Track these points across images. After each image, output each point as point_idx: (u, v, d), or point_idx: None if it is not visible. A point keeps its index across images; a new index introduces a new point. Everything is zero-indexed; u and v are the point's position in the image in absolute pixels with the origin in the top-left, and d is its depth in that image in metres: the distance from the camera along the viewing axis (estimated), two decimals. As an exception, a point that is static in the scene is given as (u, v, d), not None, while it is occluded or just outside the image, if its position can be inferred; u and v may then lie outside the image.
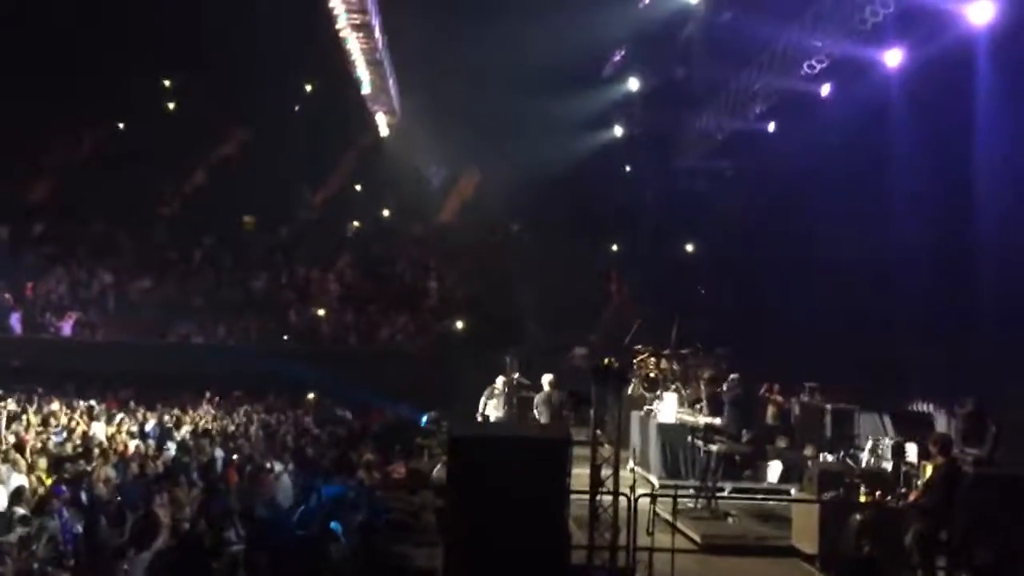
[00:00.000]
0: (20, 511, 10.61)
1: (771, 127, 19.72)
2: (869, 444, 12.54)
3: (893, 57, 14.70)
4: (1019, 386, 12.12)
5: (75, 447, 15.07)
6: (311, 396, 21.77)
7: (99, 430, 16.68)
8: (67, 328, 25.49)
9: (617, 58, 22.41)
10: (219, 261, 29.07)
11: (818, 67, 15.41)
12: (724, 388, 15.53)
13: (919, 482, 10.09)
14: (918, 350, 15.39)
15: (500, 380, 15.77)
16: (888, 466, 11.40)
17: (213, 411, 19.88)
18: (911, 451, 11.43)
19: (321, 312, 27.27)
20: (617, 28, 20.81)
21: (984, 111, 13.63)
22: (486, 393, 15.77)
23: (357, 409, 21.03)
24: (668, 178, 23.56)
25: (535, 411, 14.80)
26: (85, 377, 22.02)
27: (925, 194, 15.23)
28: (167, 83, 31.49)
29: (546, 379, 15.04)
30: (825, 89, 16.81)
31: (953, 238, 14.51)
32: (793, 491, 12.06)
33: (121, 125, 31.58)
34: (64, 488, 11.95)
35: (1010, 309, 12.88)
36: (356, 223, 30.71)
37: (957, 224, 14.47)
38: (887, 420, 13.66)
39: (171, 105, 31.45)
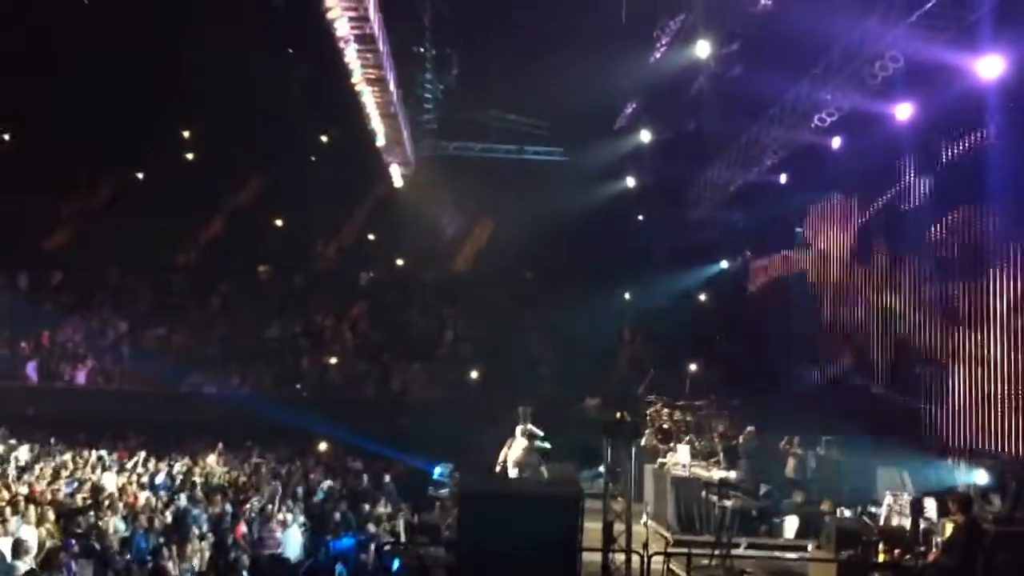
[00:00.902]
0: (21, 565, 10.53)
1: (783, 179, 19.81)
2: (888, 499, 12.35)
3: (903, 111, 14.77)
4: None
5: (85, 498, 15.03)
6: (323, 446, 21.69)
7: (109, 481, 16.64)
8: (81, 377, 25.59)
9: (629, 110, 22.60)
10: (234, 310, 29.22)
11: (828, 120, 15.49)
12: (741, 440, 15.42)
13: (939, 540, 9.90)
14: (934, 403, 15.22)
15: (519, 430, 15.53)
16: (907, 523, 11.20)
17: (224, 462, 19.80)
18: (930, 507, 11.25)
19: (334, 361, 27.27)
20: (629, 81, 21.05)
21: (994, 165, 13.66)
22: (507, 445, 15.48)
23: (369, 460, 20.91)
24: (681, 229, 23.61)
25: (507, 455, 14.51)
26: (97, 426, 22.03)
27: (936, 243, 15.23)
28: (185, 133, 31.94)
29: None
30: (836, 142, 16.89)
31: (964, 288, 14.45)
32: (810, 548, 11.85)
33: (139, 174, 32.00)
34: (73, 541, 11.91)
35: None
36: (369, 273, 30.84)
37: (969, 274, 14.43)
38: (906, 474, 13.48)
39: (189, 155, 31.86)
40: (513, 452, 14.24)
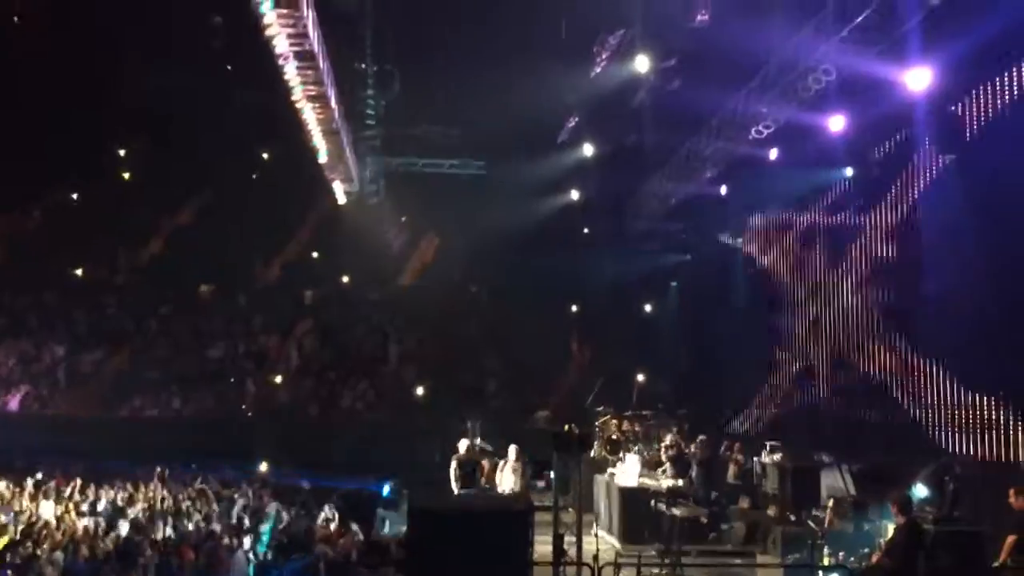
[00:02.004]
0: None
1: (723, 190, 20.16)
2: (831, 503, 12.57)
3: (836, 122, 15.14)
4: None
5: (22, 529, 14.58)
6: (264, 467, 21.31)
7: (47, 510, 16.16)
8: (14, 403, 24.85)
9: (571, 124, 22.82)
10: (175, 331, 28.65)
11: (765, 132, 15.81)
12: (692, 450, 15.56)
13: (881, 541, 10.11)
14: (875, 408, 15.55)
15: (463, 444, 15.50)
16: (850, 525, 11.41)
17: (167, 487, 19.35)
18: (872, 509, 11.46)
19: (279, 380, 26.90)
20: (571, 95, 21.27)
21: (923, 172, 14.09)
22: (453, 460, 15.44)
23: (317, 479, 20.62)
24: (624, 241, 23.85)
25: (499, 479, 14.65)
26: (33, 453, 21.39)
27: (871, 256, 15.62)
28: (122, 152, 31.33)
29: (512, 449, 14.92)
30: (773, 153, 17.25)
31: (901, 297, 14.82)
32: (757, 554, 12.00)
33: (75, 194, 31.28)
34: (10, 573, 11.53)
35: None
36: (311, 291, 30.50)
37: (907, 284, 14.82)
38: (847, 477, 13.74)
39: (126, 174, 31.25)
40: (506, 477, 14.27)
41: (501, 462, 14.91)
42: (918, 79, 12.86)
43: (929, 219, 14.11)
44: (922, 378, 14.26)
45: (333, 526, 15.75)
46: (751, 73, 15.27)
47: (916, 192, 14.49)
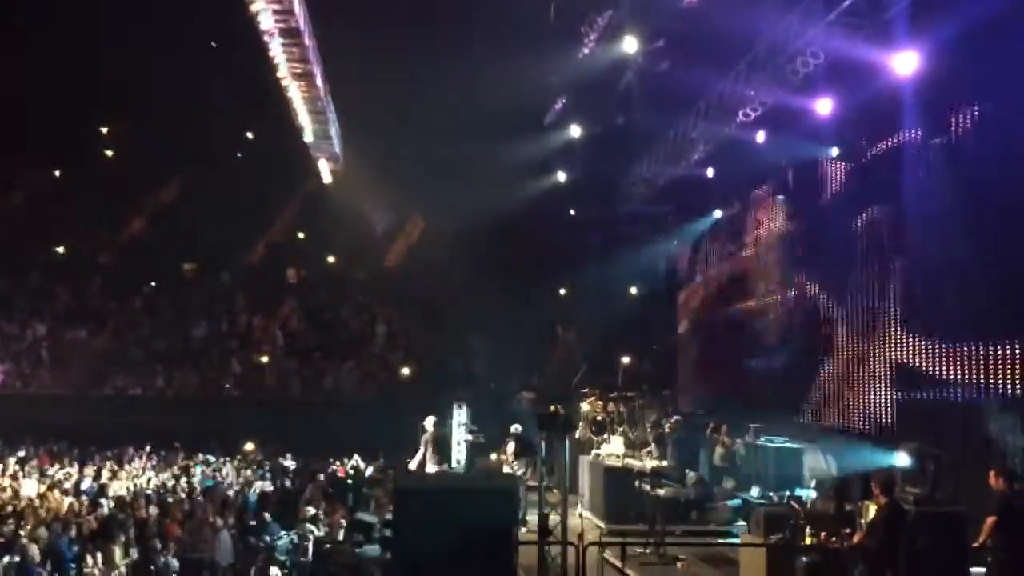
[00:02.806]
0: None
1: (710, 172, 20.14)
2: (813, 483, 12.66)
3: (824, 106, 15.15)
4: (955, 424, 12.39)
5: (3, 506, 14.52)
6: (250, 446, 21.32)
7: (30, 487, 16.11)
8: (-3, 381, 24.76)
9: (559, 105, 22.73)
10: (158, 310, 28.51)
11: (753, 115, 15.79)
12: (666, 429, 15.67)
13: (862, 522, 10.20)
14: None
15: (430, 421, 15.57)
16: (832, 506, 11.51)
17: (151, 464, 19.34)
18: (854, 490, 11.57)
19: (264, 360, 26.85)
20: (558, 76, 21.18)
21: (909, 157, 14.10)
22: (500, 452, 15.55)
23: (302, 458, 20.65)
24: (611, 222, 23.84)
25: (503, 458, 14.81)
26: (16, 431, 21.31)
27: (859, 236, 15.65)
28: (104, 130, 31.03)
29: (515, 428, 15.03)
30: (760, 136, 17.24)
31: (879, 283, 14.89)
32: (740, 533, 12.11)
33: (57, 173, 30.97)
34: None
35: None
36: (294, 271, 30.38)
37: (885, 269, 14.88)
38: (830, 458, 13.86)
39: (108, 152, 30.96)
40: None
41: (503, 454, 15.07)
42: (905, 63, 12.88)
43: (916, 203, 14.16)
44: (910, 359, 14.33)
45: (321, 505, 15.77)
46: (739, 55, 15.24)
47: (903, 176, 14.52)
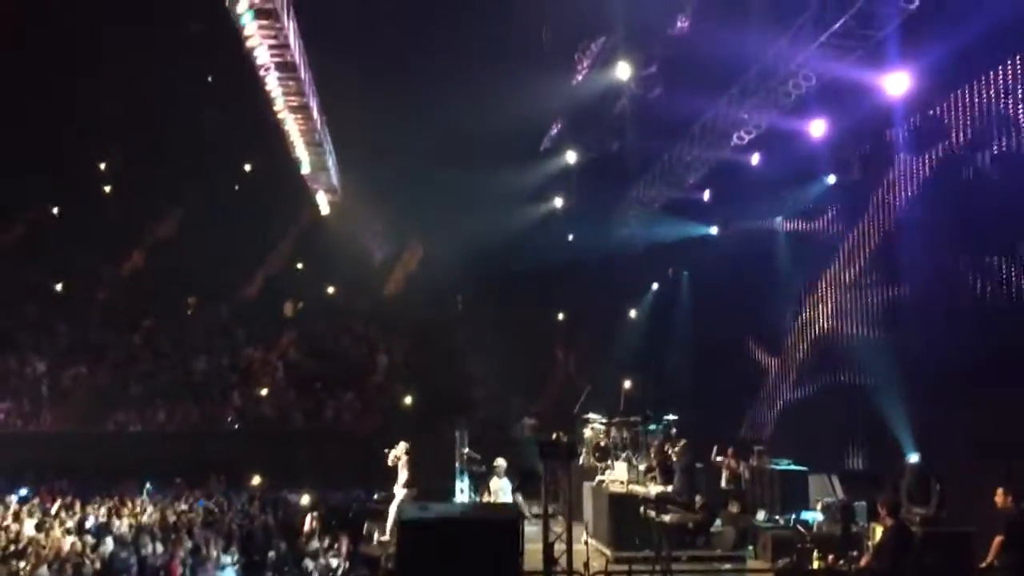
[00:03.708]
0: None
1: (706, 196, 20.23)
2: (819, 506, 12.60)
3: (817, 127, 15.26)
4: (955, 443, 12.38)
5: (6, 547, 14.43)
6: (256, 480, 21.22)
7: (31, 527, 16.00)
8: (-3, 419, 24.64)
9: (554, 132, 22.88)
10: (158, 345, 28.48)
11: (747, 138, 15.90)
12: (674, 455, 15.59)
13: (870, 544, 10.16)
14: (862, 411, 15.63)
15: (402, 447, 15.57)
16: (838, 528, 11.46)
17: (153, 501, 19.22)
18: (860, 512, 11.53)
19: (264, 392, 26.78)
20: (553, 103, 21.33)
21: (903, 174, 14.21)
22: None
23: (305, 491, 20.51)
24: (610, 247, 23.89)
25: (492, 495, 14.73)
26: (16, 470, 21.20)
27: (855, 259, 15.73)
28: (102, 165, 31.16)
29: (500, 463, 14.98)
30: (755, 158, 17.34)
31: (888, 297, 14.93)
32: (747, 559, 12.02)
33: (55, 209, 31.07)
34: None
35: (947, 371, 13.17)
36: (291, 303, 30.37)
37: (888, 281, 14.94)
38: (835, 481, 13.78)
39: (107, 187, 31.08)
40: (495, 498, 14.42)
41: (491, 483, 14.99)
42: (897, 83, 12.99)
43: (910, 221, 14.23)
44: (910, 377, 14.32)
45: (316, 538, 15.66)
46: (732, 79, 15.36)
47: (897, 195, 14.61)
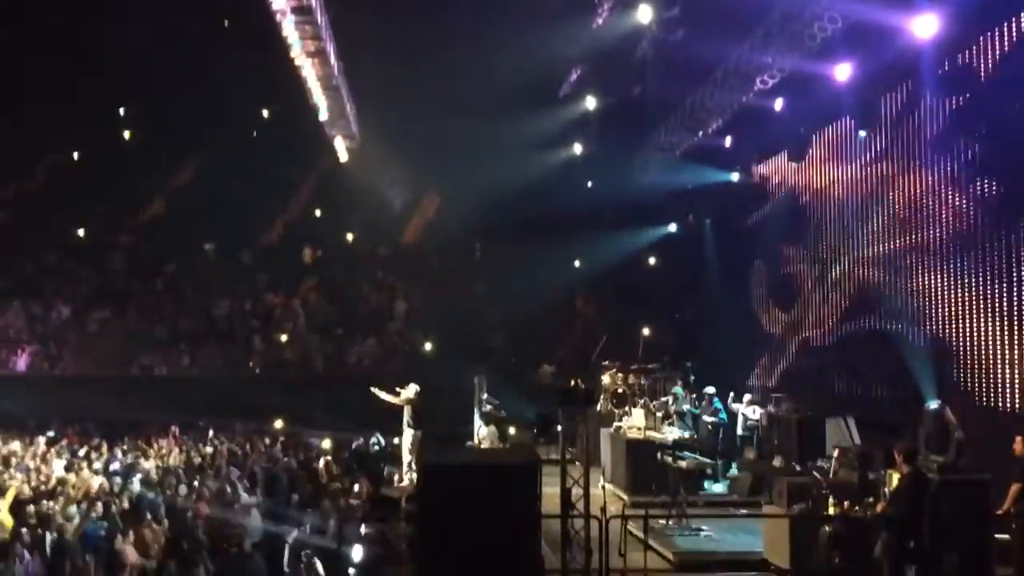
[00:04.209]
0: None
1: (727, 142, 20.00)
2: (836, 453, 12.67)
3: (842, 71, 14.98)
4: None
5: (36, 487, 14.78)
6: (279, 424, 21.52)
7: (60, 468, 16.37)
8: (21, 363, 25.04)
9: (573, 77, 22.58)
10: (180, 290, 28.76)
11: (770, 82, 15.64)
12: (700, 403, 15.74)
13: (886, 491, 10.21)
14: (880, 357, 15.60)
15: (412, 388, 15.85)
16: (855, 475, 11.52)
17: (179, 444, 19.58)
18: (877, 459, 11.57)
19: (285, 338, 27.05)
20: (572, 48, 20.99)
21: (930, 119, 13.95)
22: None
23: (326, 435, 20.81)
24: (629, 194, 23.73)
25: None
26: (44, 413, 21.62)
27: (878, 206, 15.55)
28: (121, 111, 31.12)
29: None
30: (779, 103, 17.09)
31: (913, 241, 14.79)
32: (763, 503, 12.14)
33: (76, 155, 31.15)
34: (26, 531, 11.73)
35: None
36: (310, 250, 30.46)
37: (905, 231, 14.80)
38: (852, 427, 13.84)
39: (126, 134, 31.08)
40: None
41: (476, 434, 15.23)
42: (925, 26, 12.70)
43: (935, 167, 14.02)
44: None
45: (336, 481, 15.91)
46: (755, 22, 15.06)
47: (923, 140, 14.38)
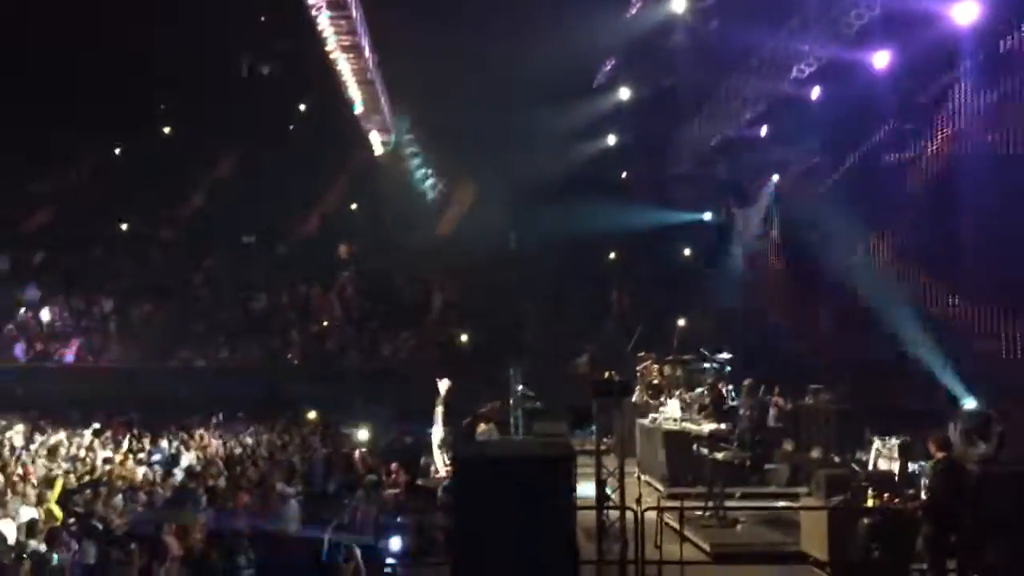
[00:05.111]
0: (34, 545, 10.65)
1: (763, 131, 19.82)
2: (876, 444, 12.56)
3: (881, 59, 14.77)
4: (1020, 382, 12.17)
5: (81, 477, 15.10)
6: (312, 415, 21.74)
7: (105, 458, 16.70)
8: (70, 356, 25.56)
9: (607, 68, 22.51)
10: (218, 283, 29.15)
11: (807, 71, 15.48)
12: (742, 393, 15.61)
13: (926, 482, 10.10)
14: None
15: (444, 384, 15.78)
16: (895, 466, 11.42)
17: (219, 434, 19.88)
18: (917, 451, 11.45)
19: (322, 330, 27.31)
20: (606, 39, 20.92)
21: (968, 108, 13.74)
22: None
23: (362, 426, 21.00)
24: (663, 184, 23.64)
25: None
26: (89, 404, 22.05)
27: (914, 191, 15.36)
28: (162, 107, 31.58)
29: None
30: (815, 92, 16.90)
31: (941, 234, 14.61)
32: (801, 495, 12.06)
33: (117, 150, 31.67)
34: (73, 520, 12.00)
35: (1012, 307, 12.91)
36: (345, 246, 30.69)
37: (944, 220, 14.60)
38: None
39: (166, 129, 31.54)
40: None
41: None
42: (965, 12, 12.50)
43: (973, 156, 13.81)
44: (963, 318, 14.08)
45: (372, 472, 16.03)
46: (792, 9, 14.91)
47: (961, 128, 14.16)
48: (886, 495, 10.07)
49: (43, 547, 10.74)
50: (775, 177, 21.08)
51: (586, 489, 9.84)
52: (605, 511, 9.68)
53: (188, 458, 17.02)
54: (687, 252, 26.37)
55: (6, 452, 16.79)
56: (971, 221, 13.71)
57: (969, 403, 11.66)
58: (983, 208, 13.47)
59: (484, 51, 22.63)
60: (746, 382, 15.15)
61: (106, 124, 28.91)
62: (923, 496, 9.63)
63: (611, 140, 25.15)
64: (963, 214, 14.03)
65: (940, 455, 9.30)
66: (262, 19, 26.71)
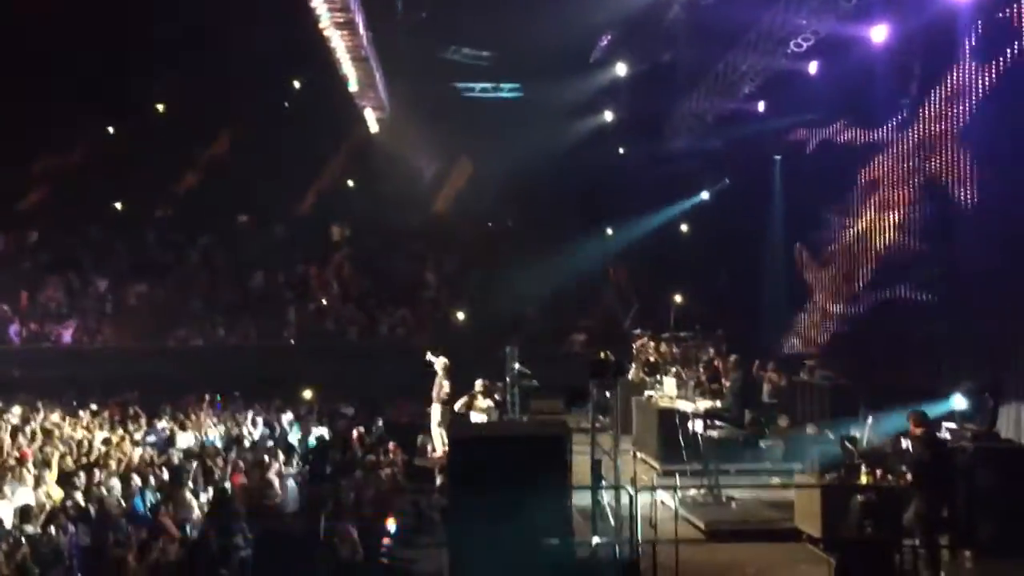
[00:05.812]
0: (30, 529, 10.67)
1: (761, 106, 19.70)
2: (869, 421, 12.57)
3: (879, 33, 14.65)
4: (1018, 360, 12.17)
5: (79, 459, 15.11)
6: (308, 394, 21.72)
7: (102, 439, 16.71)
8: (67, 336, 25.54)
9: (604, 43, 22.33)
10: (215, 262, 29.08)
11: (804, 45, 15.37)
12: (729, 369, 15.62)
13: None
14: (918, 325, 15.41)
15: (442, 360, 15.77)
16: (888, 444, 11.43)
17: (216, 414, 19.88)
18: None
19: (319, 309, 27.28)
20: (602, 14, 20.73)
21: (969, 82, 13.63)
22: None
23: (360, 405, 21.04)
24: (661, 161, 23.51)
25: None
26: (85, 384, 22.03)
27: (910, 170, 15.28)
28: (154, 86, 31.33)
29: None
30: (813, 67, 16.78)
31: (937, 209, 14.57)
32: (795, 472, 12.10)
33: (111, 129, 31.47)
34: (70, 503, 12.02)
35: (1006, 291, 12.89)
36: (339, 228, 30.60)
37: (940, 196, 14.56)
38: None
39: (160, 107, 31.33)
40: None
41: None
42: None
43: (972, 131, 13.72)
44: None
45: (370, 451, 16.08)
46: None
47: (960, 103, 14.06)
48: (879, 472, 10.11)
49: (40, 529, 10.77)
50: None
51: (583, 467, 9.86)
52: (600, 490, 9.70)
53: (185, 438, 17.03)
54: (684, 228, 26.28)
55: (3, 434, 16.77)
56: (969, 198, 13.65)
57: (964, 385, 11.66)
58: (982, 184, 13.40)
59: (479, 27, 22.45)
60: (732, 358, 15.16)
61: (100, 103, 28.70)
62: (908, 476, 9.65)
63: (608, 116, 24.99)
64: (961, 190, 13.96)
65: (918, 431, 9.34)
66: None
